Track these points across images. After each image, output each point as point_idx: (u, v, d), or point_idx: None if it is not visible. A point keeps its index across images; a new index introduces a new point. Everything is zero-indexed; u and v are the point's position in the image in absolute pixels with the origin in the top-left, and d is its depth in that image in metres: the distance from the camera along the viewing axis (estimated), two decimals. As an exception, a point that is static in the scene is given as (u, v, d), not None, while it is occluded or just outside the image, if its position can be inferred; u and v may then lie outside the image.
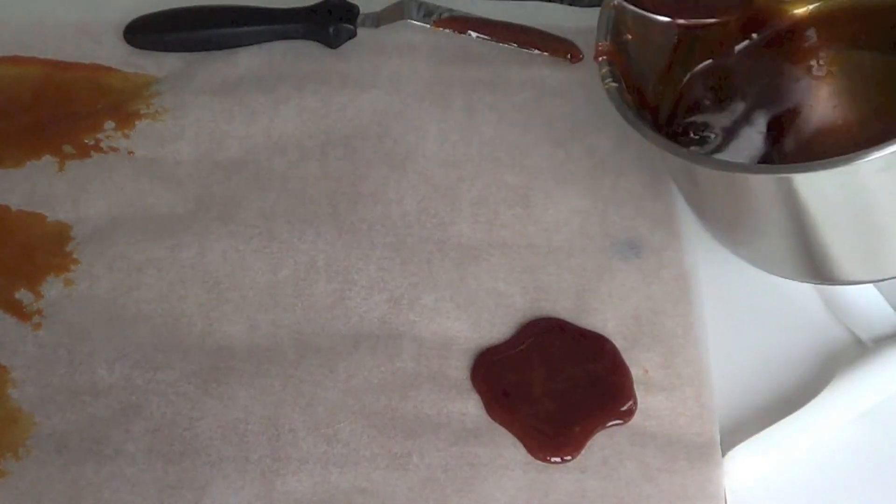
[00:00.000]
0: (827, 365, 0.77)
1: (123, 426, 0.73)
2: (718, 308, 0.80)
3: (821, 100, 0.84)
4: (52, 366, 0.75)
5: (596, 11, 0.98)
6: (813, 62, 0.84)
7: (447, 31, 0.95)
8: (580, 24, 0.97)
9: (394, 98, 0.92)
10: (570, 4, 1.01)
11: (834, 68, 0.84)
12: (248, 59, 0.94)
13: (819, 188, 0.67)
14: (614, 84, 0.78)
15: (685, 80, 0.85)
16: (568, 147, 0.88)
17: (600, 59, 0.79)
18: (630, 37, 0.81)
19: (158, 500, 0.70)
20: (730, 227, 0.77)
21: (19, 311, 0.78)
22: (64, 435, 0.72)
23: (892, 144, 0.62)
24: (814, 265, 0.73)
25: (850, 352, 0.77)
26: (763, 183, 0.69)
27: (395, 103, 0.91)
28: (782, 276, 0.77)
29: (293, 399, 0.74)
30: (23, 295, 0.79)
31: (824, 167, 0.64)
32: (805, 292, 0.80)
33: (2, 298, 0.79)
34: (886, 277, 0.74)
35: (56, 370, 0.75)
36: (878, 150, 0.62)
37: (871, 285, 0.79)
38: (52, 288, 0.79)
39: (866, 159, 0.63)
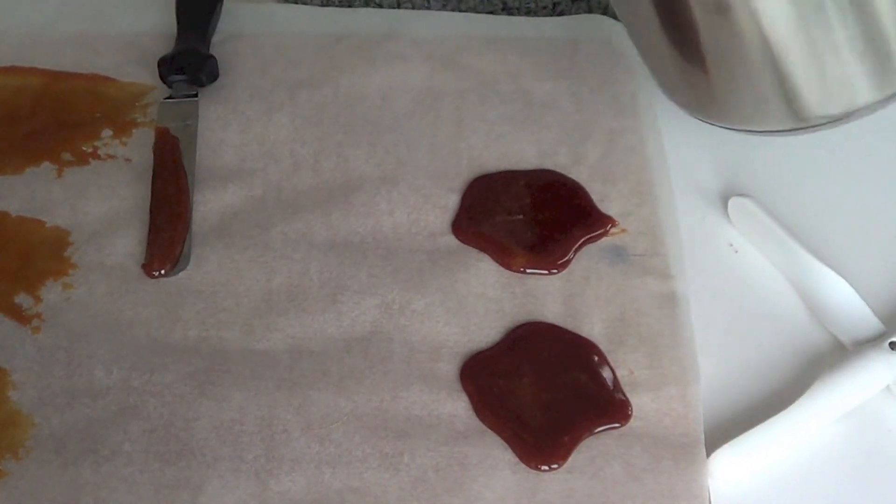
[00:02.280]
0: (809, 368, 0.78)
1: (121, 427, 0.73)
2: (704, 313, 0.81)
3: None
4: (51, 368, 0.76)
5: (584, 19, 0.99)
6: None
7: (437, 41, 0.97)
8: (571, 34, 0.98)
9: (385, 110, 0.93)
10: (559, 15, 1.02)
11: None
12: (243, 65, 0.95)
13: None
14: None
15: None
16: (555, 157, 0.90)
17: None
18: None
19: (155, 500, 0.70)
20: (704, 72, 0.79)
21: (19, 315, 0.78)
22: (63, 436, 0.73)
23: None
24: (786, 100, 0.76)
25: (831, 355, 0.78)
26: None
27: (386, 115, 0.92)
28: (765, 128, 0.79)
29: (287, 400, 0.75)
30: (22, 299, 0.79)
31: None
32: (789, 297, 0.82)
33: (2, 302, 0.79)
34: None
35: (55, 372, 0.76)
36: None
37: (852, 290, 0.80)
38: (51, 292, 0.80)
39: None
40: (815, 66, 0.75)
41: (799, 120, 0.78)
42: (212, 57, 0.94)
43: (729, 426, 0.75)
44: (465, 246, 0.84)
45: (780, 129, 0.80)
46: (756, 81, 0.77)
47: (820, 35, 0.73)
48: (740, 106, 0.80)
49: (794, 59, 0.74)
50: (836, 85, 0.76)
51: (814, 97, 0.76)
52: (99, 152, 0.88)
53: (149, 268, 0.81)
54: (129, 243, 0.83)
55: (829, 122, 0.77)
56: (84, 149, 0.88)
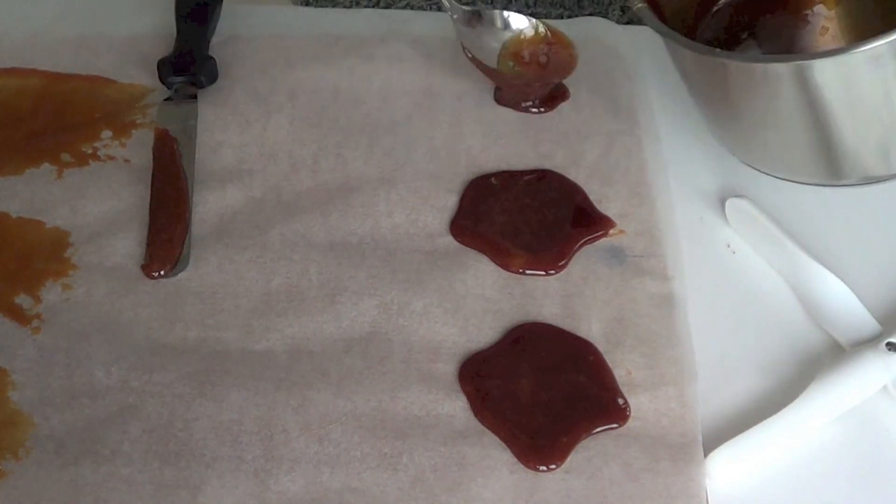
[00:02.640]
0: (806, 368, 0.77)
1: (120, 427, 0.73)
2: (701, 314, 0.81)
3: (823, 42, 0.90)
4: (50, 368, 0.76)
5: (585, 21, 1.00)
6: (816, 6, 0.91)
7: (437, 42, 0.97)
8: (570, 36, 0.98)
9: (384, 112, 0.93)
10: (555, 17, 1.03)
11: (836, 14, 0.91)
12: (242, 66, 0.96)
13: (831, 76, 0.73)
14: (641, 5, 0.82)
15: (701, 22, 0.91)
16: (553, 158, 0.90)
17: None
18: None
19: (154, 500, 0.70)
20: (754, 130, 0.82)
21: (19, 316, 0.79)
22: (62, 436, 0.73)
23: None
24: (832, 161, 0.78)
25: (829, 356, 0.78)
26: (782, 72, 0.74)
27: (384, 117, 0.93)
28: (802, 180, 0.82)
29: (286, 400, 0.75)
30: (22, 299, 0.80)
31: (833, 54, 0.72)
32: (786, 297, 0.82)
33: (2, 303, 0.79)
34: None
35: (55, 373, 0.76)
36: (878, 39, 0.70)
37: (849, 291, 0.80)
38: (51, 293, 0.80)
39: (867, 47, 0.70)
40: (863, 132, 0.77)
41: (840, 178, 0.81)
42: (211, 58, 0.94)
43: (726, 426, 0.75)
44: (464, 247, 0.84)
45: (821, 183, 0.82)
46: (802, 143, 0.79)
47: (875, 106, 0.75)
48: (783, 160, 0.83)
49: (844, 126, 0.77)
50: (880, 150, 0.78)
51: (858, 160, 0.79)
52: (98, 153, 0.89)
53: (148, 269, 0.82)
54: (128, 244, 0.83)
55: (871, 182, 0.81)
56: (84, 150, 0.89)
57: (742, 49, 0.91)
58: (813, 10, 0.91)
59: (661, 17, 0.84)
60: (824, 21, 0.91)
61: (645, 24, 0.82)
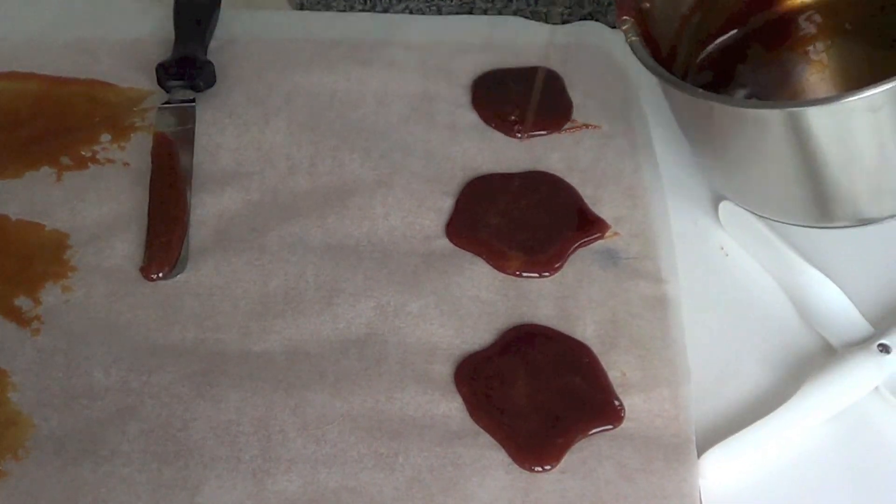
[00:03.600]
0: (799, 370, 0.78)
1: (119, 427, 0.73)
2: (695, 316, 0.81)
3: (812, 84, 0.90)
4: (50, 370, 0.76)
5: (578, 26, 1.01)
6: (809, 48, 0.90)
7: (432, 46, 0.97)
8: (564, 40, 0.99)
9: (380, 115, 0.94)
10: (545, 21, 1.03)
11: (827, 57, 0.90)
12: (239, 70, 0.96)
13: (825, 123, 0.71)
14: (635, 38, 0.82)
15: (700, 56, 0.91)
16: (548, 161, 0.90)
17: (624, 17, 0.82)
18: (648, 5, 0.85)
19: (153, 500, 0.70)
20: (742, 172, 0.81)
21: (19, 317, 0.79)
22: (62, 436, 0.73)
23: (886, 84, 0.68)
24: (823, 204, 0.77)
25: (821, 357, 0.78)
26: (774, 118, 0.73)
27: (380, 120, 0.93)
28: (792, 222, 0.81)
29: (283, 401, 0.75)
30: (22, 301, 0.80)
31: (827, 102, 0.70)
32: (779, 299, 0.82)
33: (2, 305, 0.79)
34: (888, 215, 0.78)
35: (54, 374, 0.76)
36: (874, 87, 0.68)
37: (841, 293, 0.80)
38: (51, 294, 0.80)
39: (861, 96, 0.68)
40: (855, 177, 0.76)
41: (831, 221, 0.79)
42: (209, 62, 0.95)
43: (720, 427, 0.75)
44: (460, 249, 0.85)
45: (811, 225, 0.81)
46: (791, 186, 0.78)
47: (870, 149, 0.74)
48: (772, 202, 0.82)
49: (835, 171, 0.75)
50: (872, 194, 0.77)
51: (849, 204, 0.78)
52: (98, 156, 0.89)
53: (147, 271, 0.82)
54: (127, 246, 0.84)
55: (862, 224, 0.79)
56: (83, 153, 0.89)
57: (735, 82, 0.91)
58: (814, 47, 0.91)
59: (655, 45, 0.84)
60: (820, 58, 0.91)
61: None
